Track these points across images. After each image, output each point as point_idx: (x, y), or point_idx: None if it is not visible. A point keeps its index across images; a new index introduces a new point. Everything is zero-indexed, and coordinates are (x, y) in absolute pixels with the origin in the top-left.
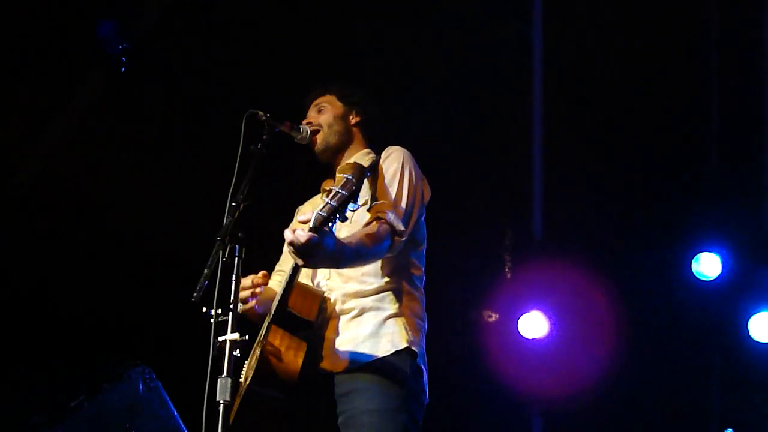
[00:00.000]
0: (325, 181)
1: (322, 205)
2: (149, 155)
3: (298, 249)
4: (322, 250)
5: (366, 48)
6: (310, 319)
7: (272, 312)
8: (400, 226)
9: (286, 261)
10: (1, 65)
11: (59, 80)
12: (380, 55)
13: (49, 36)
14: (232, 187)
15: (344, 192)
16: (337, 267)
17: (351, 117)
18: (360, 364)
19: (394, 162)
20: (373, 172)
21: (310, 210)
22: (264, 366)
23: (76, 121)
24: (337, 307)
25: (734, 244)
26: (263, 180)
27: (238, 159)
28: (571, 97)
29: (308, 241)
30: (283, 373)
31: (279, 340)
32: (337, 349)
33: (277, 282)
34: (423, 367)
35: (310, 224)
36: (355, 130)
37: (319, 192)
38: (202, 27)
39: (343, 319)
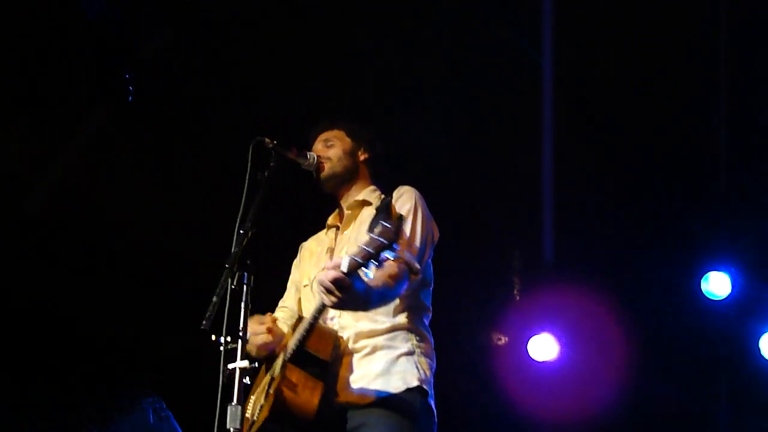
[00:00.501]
0: (331, 216)
1: (357, 251)
2: (158, 183)
3: (330, 291)
4: (353, 293)
5: (374, 65)
6: (326, 360)
7: (289, 351)
8: (416, 265)
9: (290, 298)
10: (12, 90)
11: (67, 109)
12: (388, 74)
13: (59, 61)
14: (239, 215)
15: (384, 240)
16: (364, 310)
17: (359, 153)
18: (372, 399)
19: (407, 201)
20: (387, 210)
21: (316, 246)
22: (280, 404)
23: (86, 145)
24: (350, 346)
25: (744, 263)
26: (271, 207)
27: (245, 186)
28: (582, 119)
29: (341, 282)
30: (299, 411)
31: (296, 378)
32: (350, 386)
33: (280, 318)
34: (433, 406)
35: (343, 268)
36: (362, 166)
37: (324, 228)
38: (209, 50)
39: (355, 356)
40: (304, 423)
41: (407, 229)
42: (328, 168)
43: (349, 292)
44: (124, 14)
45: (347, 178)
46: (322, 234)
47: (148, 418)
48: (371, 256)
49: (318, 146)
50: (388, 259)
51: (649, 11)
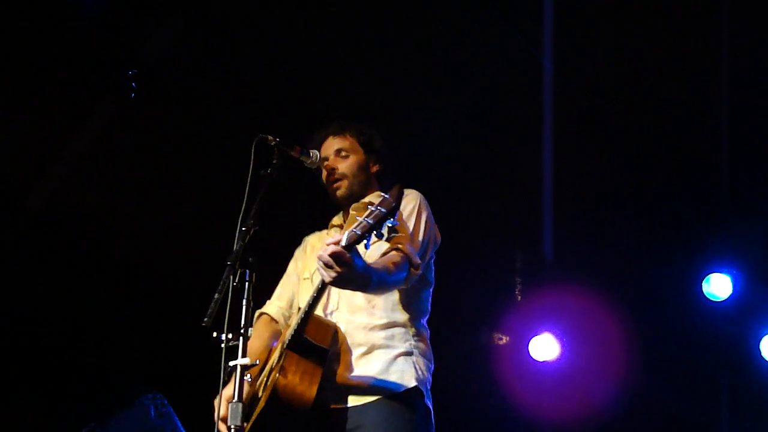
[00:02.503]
0: (336, 217)
1: (356, 223)
2: (160, 180)
3: (329, 265)
4: (352, 269)
5: (376, 65)
6: (324, 347)
7: (287, 338)
8: (416, 259)
9: (290, 286)
10: (14, 85)
11: (71, 104)
12: (389, 73)
13: (61, 61)
14: (242, 212)
15: (382, 209)
16: (364, 290)
17: (371, 165)
18: (369, 400)
19: (412, 201)
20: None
21: (317, 242)
22: (278, 392)
23: (89, 141)
24: (348, 341)
25: (745, 264)
26: (273, 204)
27: (248, 183)
28: (582, 119)
29: (340, 256)
30: (297, 400)
31: (294, 365)
32: (348, 385)
33: (276, 308)
34: (430, 407)
35: (343, 241)
36: (373, 178)
37: (327, 227)
38: (212, 46)
39: (353, 355)
40: (301, 415)
41: (411, 224)
42: (345, 188)
43: (349, 267)
44: (128, 10)
45: (362, 194)
46: (324, 233)
47: (149, 414)
48: (371, 227)
49: (329, 153)
50: (391, 231)
51: (651, 11)
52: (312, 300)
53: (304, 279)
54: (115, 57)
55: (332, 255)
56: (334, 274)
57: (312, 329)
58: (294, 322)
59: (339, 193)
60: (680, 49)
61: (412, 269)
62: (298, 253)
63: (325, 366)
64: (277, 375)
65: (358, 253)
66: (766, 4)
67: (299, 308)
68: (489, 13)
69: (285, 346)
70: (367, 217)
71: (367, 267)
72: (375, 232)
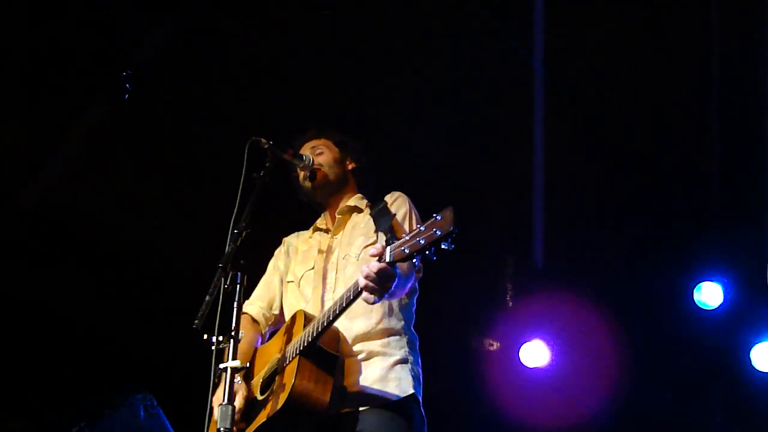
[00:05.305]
0: (319, 220)
1: (402, 241)
2: (152, 181)
3: (375, 282)
4: (392, 283)
5: (367, 69)
6: (336, 354)
7: (301, 344)
8: (420, 263)
9: (272, 289)
10: (9, 84)
11: (64, 104)
12: (379, 78)
13: (54, 61)
14: (234, 215)
15: (437, 231)
16: (387, 299)
17: (347, 162)
18: (370, 405)
19: (403, 205)
20: (385, 212)
21: (302, 245)
22: (297, 396)
23: (82, 142)
24: (347, 347)
25: (736, 273)
26: (266, 207)
27: (240, 186)
28: (573, 125)
29: (385, 272)
30: (313, 404)
31: (309, 372)
32: (348, 390)
33: (258, 309)
34: (424, 414)
35: (387, 257)
36: (350, 175)
37: (309, 228)
38: (206, 52)
39: (352, 360)
40: (314, 417)
41: (406, 228)
42: (320, 177)
43: (392, 282)
44: (123, 10)
45: (337, 186)
46: (306, 235)
47: (139, 415)
48: (422, 248)
49: (305, 152)
50: (442, 251)
51: (642, 13)
52: (339, 311)
53: (289, 282)
54: (110, 57)
55: (378, 272)
56: (378, 289)
57: (325, 336)
58: (312, 326)
59: (315, 182)
60: (671, 55)
61: (417, 273)
62: (278, 253)
63: (335, 369)
64: (293, 381)
65: (397, 267)
66: (756, 3)
67: (298, 313)
68: (479, 14)
69: (298, 352)
70: (418, 236)
71: (400, 278)
72: (427, 252)
